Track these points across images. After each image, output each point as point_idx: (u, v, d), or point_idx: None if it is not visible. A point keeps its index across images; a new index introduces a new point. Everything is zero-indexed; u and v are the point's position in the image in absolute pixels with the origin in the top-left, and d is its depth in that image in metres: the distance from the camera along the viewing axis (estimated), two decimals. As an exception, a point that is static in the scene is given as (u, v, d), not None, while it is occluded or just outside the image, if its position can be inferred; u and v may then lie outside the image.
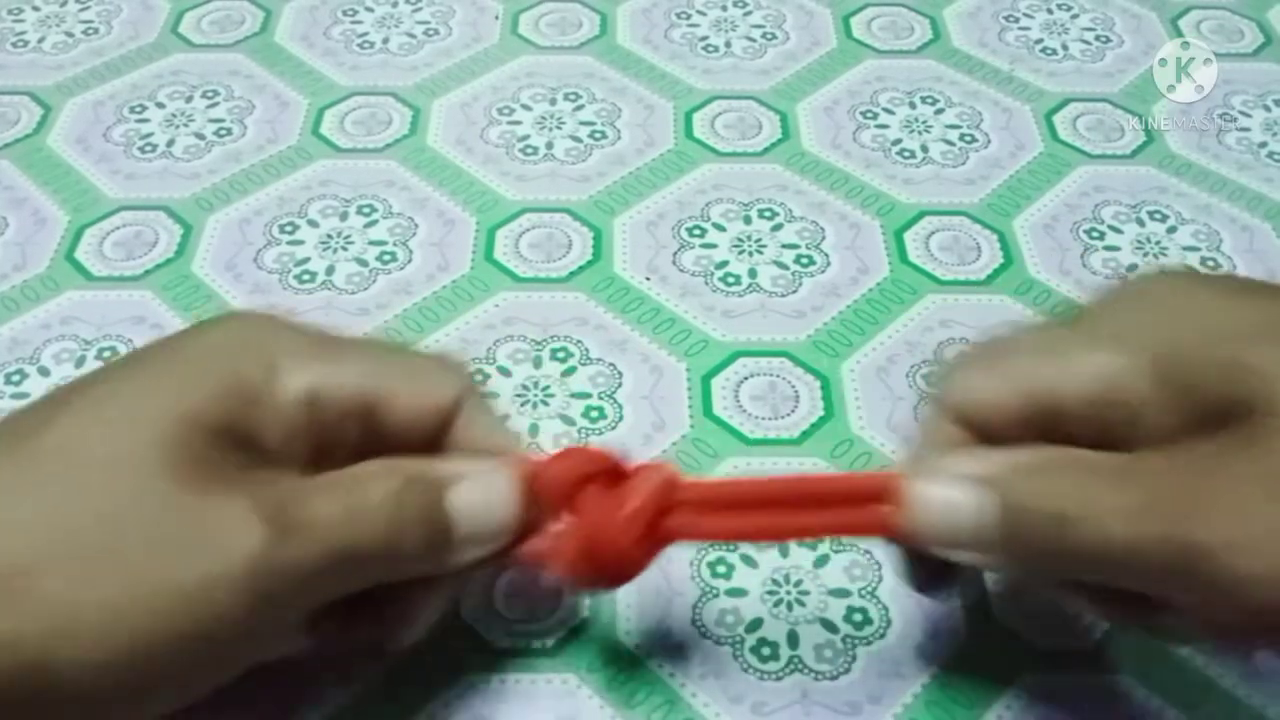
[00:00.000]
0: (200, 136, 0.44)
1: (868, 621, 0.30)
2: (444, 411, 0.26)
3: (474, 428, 0.27)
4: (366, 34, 0.50)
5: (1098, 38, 0.50)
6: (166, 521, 0.22)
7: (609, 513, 0.25)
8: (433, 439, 0.26)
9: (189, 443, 0.23)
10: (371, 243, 0.40)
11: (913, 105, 0.46)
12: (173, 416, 0.23)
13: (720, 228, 0.41)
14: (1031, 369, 0.25)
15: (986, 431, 0.25)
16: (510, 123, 0.45)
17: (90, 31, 0.50)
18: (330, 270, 0.39)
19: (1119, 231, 0.41)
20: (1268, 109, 0.47)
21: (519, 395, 0.35)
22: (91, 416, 0.23)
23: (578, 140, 0.44)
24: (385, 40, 0.49)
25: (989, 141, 0.45)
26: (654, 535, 0.26)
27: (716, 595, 0.31)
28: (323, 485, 0.24)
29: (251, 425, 0.24)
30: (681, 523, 0.26)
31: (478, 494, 0.25)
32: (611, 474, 0.26)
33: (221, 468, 0.23)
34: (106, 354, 0.36)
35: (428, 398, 0.26)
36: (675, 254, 0.40)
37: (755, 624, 0.30)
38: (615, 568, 0.26)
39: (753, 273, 0.39)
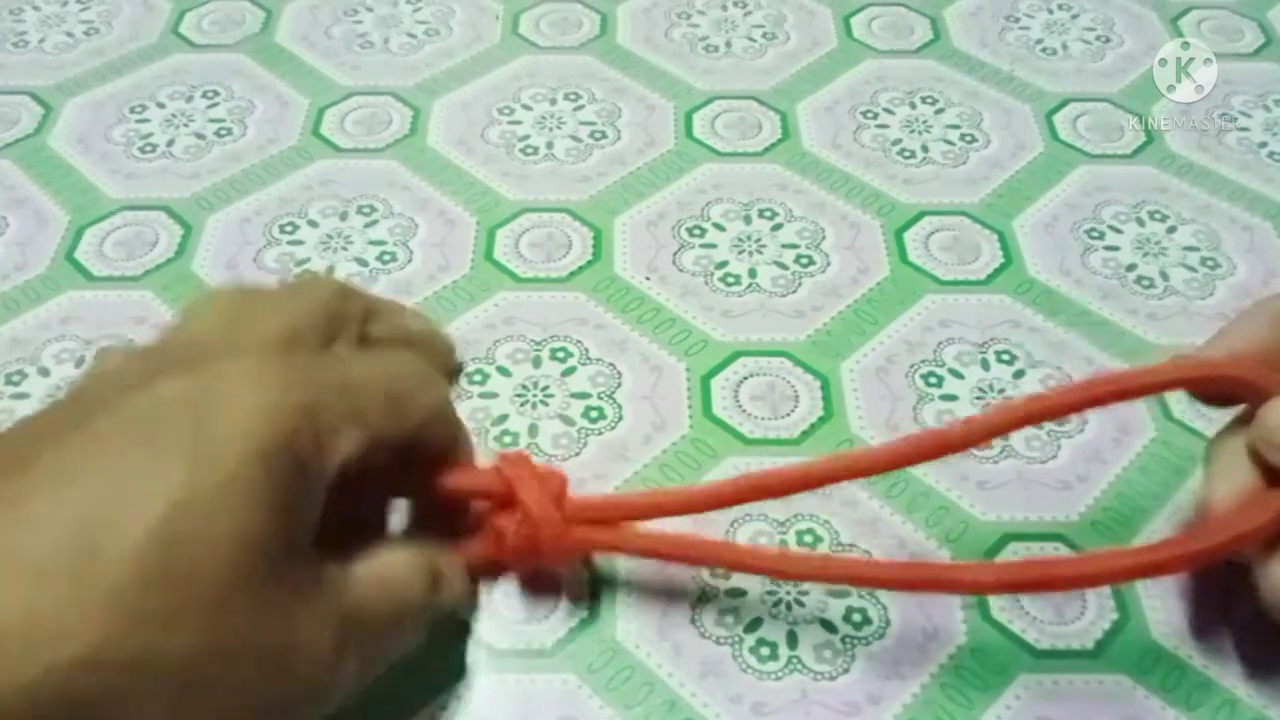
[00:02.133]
0: (201, 136, 0.44)
1: (867, 621, 0.30)
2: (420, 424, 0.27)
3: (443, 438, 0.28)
4: (367, 34, 0.50)
5: (1098, 38, 0.50)
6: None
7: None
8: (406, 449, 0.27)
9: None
10: (372, 243, 0.40)
11: (913, 105, 0.46)
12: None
13: (720, 228, 0.41)
14: None
15: None
16: (510, 123, 0.45)
17: (91, 31, 0.50)
18: (330, 270, 0.39)
19: (1119, 231, 0.41)
20: (1268, 109, 0.47)
21: (519, 395, 0.35)
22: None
23: (578, 140, 0.44)
24: (386, 40, 0.49)
25: (989, 141, 0.45)
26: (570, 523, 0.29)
27: (716, 595, 0.31)
28: (371, 585, 0.25)
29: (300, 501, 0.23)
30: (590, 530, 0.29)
31: (459, 580, 0.28)
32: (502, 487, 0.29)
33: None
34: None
35: (412, 440, 0.26)
36: (675, 254, 0.40)
37: (755, 624, 0.30)
38: (549, 553, 0.29)
39: (753, 273, 0.39)
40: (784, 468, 0.28)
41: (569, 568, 0.31)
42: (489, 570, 0.30)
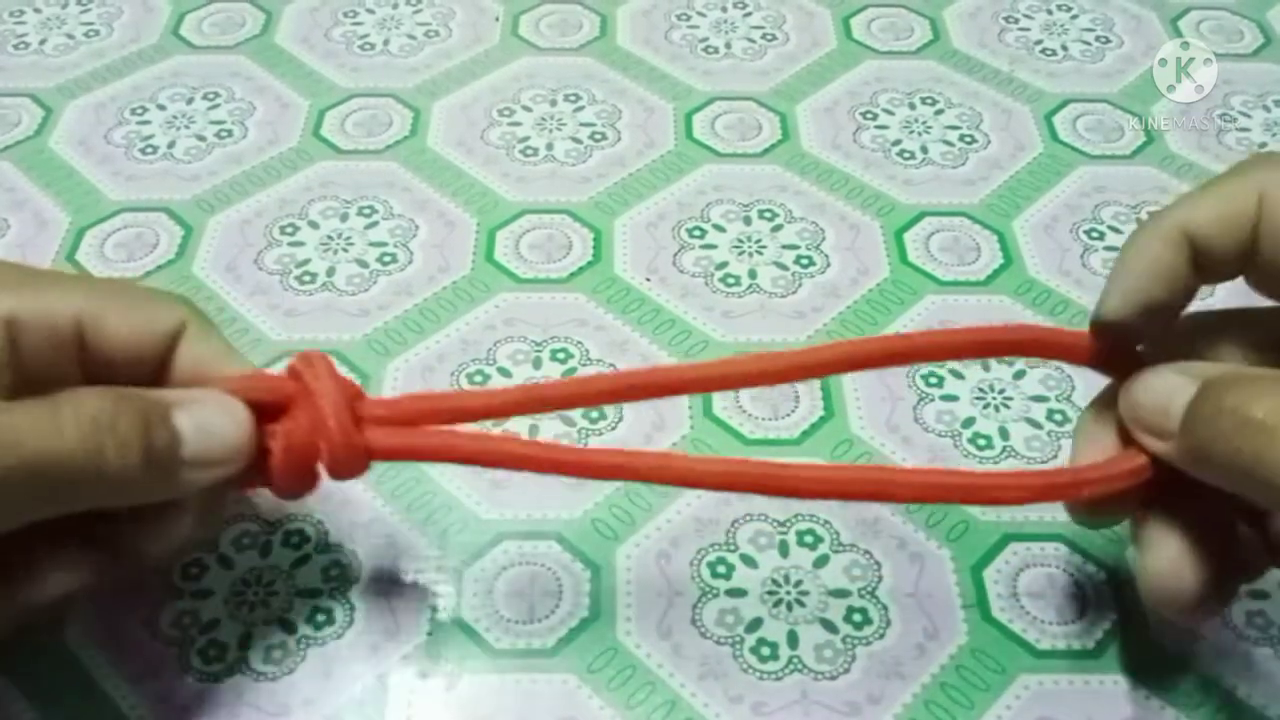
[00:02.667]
0: (201, 138, 0.44)
1: (868, 621, 0.30)
2: (163, 338, 0.26)
3: (199, 354, 0.26)
4: (367, 35, 0.50)
5: (1098, 38, 0.50)
6: None
7: (315, 415, 0.26)
8: (156, 372, 0.26)
9: None
10: (372, 244, 0.40)
11: (912, 106, 0.47)
12: None
13: (720, 229, 0.41)
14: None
15: (1206, 259, 0.24)
16: (510, 124, 0.45)
17: (91, 34, 0.50)
18: (331, 271, 0.39)
19: (1119, 232, 0.41)
20: (1268, 109, 0.47)
21: (519, 396, 0.35)
22: None
23: (578, 141, 0.44)
24: (386, 42, 0.49)
25: (989, 142, 0.45)
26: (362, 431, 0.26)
27: (716, 595, 0.31)
28: (24, 402, 0.23)
29: None
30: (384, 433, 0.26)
31: (211, 410, 0.25)
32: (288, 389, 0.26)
33: None
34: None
35: (144, 324, 0.26)
36: (675, 255, 0.40)
37: (755, 624, 0.30)
38: (341, 461, 0.26)
39: (753, 274, 0.39)
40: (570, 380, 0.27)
41: (358, 474, 0.27)
42: (249, 483, 0.27)
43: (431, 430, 0.27)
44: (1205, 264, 0.24)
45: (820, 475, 0.26)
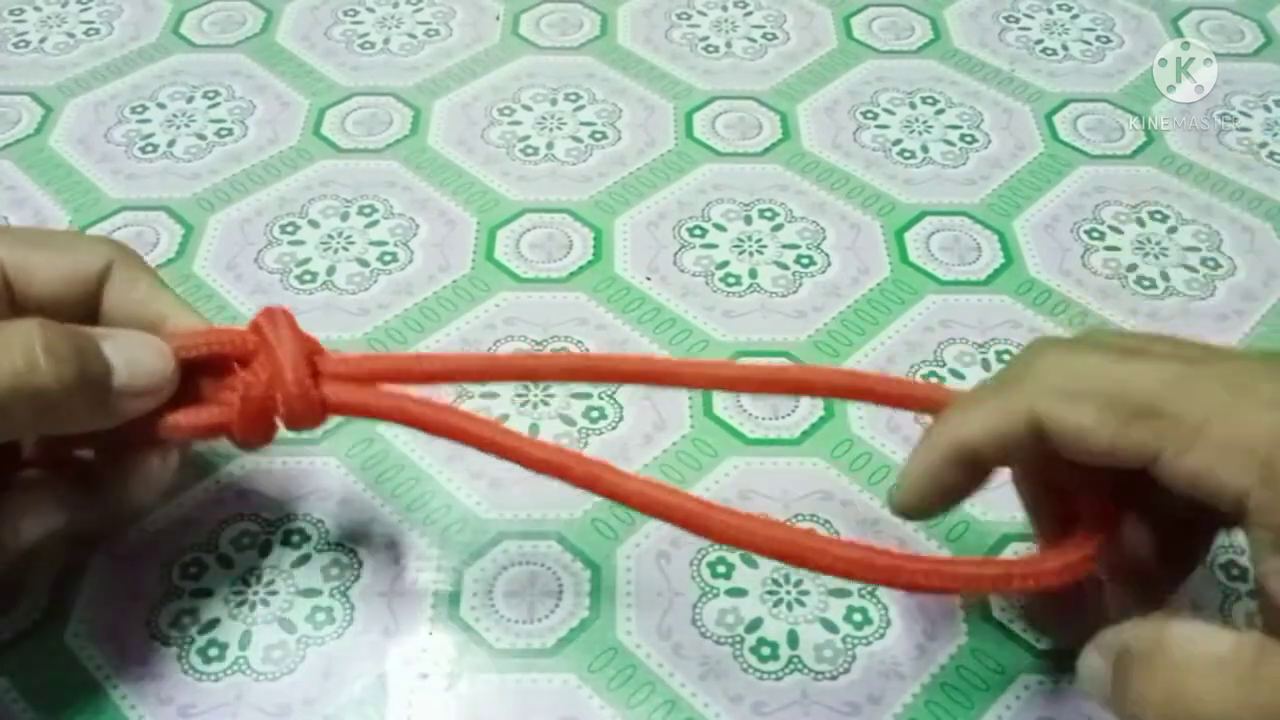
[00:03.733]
0: (201, 137, 0.44)
1: (868, 621, 0.30)
2: (90, 279, 0.27)
3: (129, 294, 0.27)
4: (367, 34, 0.50)
5: (1098, 38, 0.50)
6: None
7: (273, 369, 0.27)
8: (87, 314, 0.27)
9: None
10: (372, 243, 0.40)
11: (913, 105, 0.46)
12: None
13: (721, 228, 0.41)
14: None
15: (981, 465, 0.25)
16: (511, 123, 0.45)
17: (91, 32, 0.50)
18: (331, 270, 0.39)
19: (1119, 232, 0.41)
20: (1268, 109, 0.47)
21: (519, 395, 0.35)
22: None
23: (578, 140, 0.44)
24: (386, 41, 0.49)
25: (989, 141, 0.45)
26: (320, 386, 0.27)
27: (716, 595, 0.31)
28: None
29: None
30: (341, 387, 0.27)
31: (136, 344, 0.26)
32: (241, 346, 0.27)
33: None
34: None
35: (69, 267, 0.26)
36: (676, 254, 0.40)
37: (755, 624, 0.30)
38: (296, 412, 0.27)
39: (753, 273, 0.39)
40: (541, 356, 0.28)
41: (313, 425, 0.28)
42: (210, 433, 0.27)
43: (385, 391, 0.27)
44: (980, 467, 0.26)
45: (749, 528, 0.25)
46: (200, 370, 0.27)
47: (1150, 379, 0.23)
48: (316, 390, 0.27)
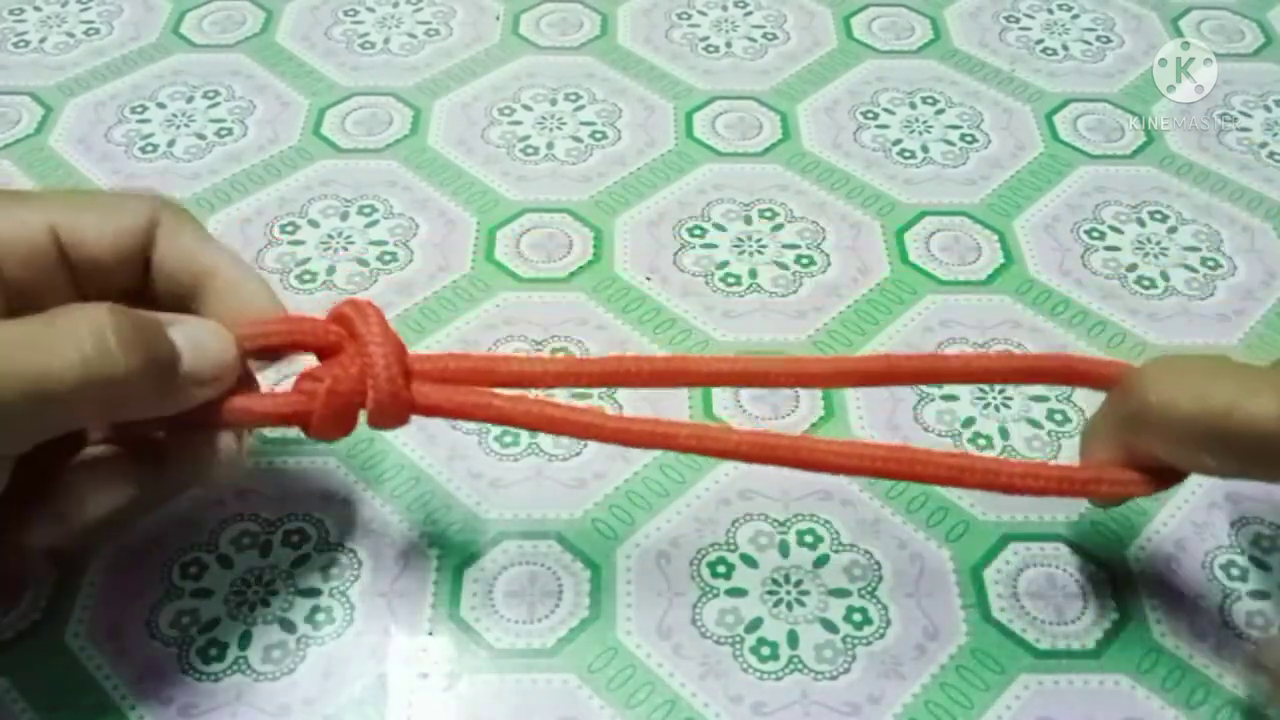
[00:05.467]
0: (201, 137, 0.44)
1: (868, 621, 0.30)
2: (138, 235, 0.26)
3: (179, 244, 0.27)
4: (367, 34, 0.50)
5: (1098, 38, 0.50)
6: None
7: (363, 363, 0.26)
8: (136, 270, 0.27)
9: None
10: (372, 243, 0.40)
11: (913, 105, 0.46)
12: None
13: (721, 228, 0.41)
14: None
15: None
16: (511, 123, 0.45)
17: (91, 32, 0.50)
18: (331, 270, 0.39)
19: (1119, 232, 0.41)
20: (1268, 109, 0.47)
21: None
22: None
23: (578, 140, 0.44)
24: (386, 40, 0.49)
25: (989, 141, 0.45)
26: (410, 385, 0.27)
27: (716, 595, 0.31)
28: (16, 320, 0.23)
29: None
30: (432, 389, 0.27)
31: (201, 330, 0.26)
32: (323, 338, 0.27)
33: None
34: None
35: (118, 224, 0.26)
36: (676, 254, 0.40)
37: (755, 624, 0.30)
38: (385, 410, 0.26)
39: (753, 273, 0.39)
40: (650, 358, 0.28)
41: (398, 425, 0.27)
42: (284, 421, 0.27)
43: (471, 389, 0.27)
44: None
45: (847, 451, 0.27)
46: (268, 356, 0.27)
47: None
48: (407, 390, 0.27)
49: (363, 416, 0.27)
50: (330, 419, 0.27)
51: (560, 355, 0.30)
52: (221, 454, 0.27)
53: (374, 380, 0.26)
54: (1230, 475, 0.27)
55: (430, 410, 0.27)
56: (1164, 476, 0.27)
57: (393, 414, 0.27)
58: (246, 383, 0.27)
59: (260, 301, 0.27)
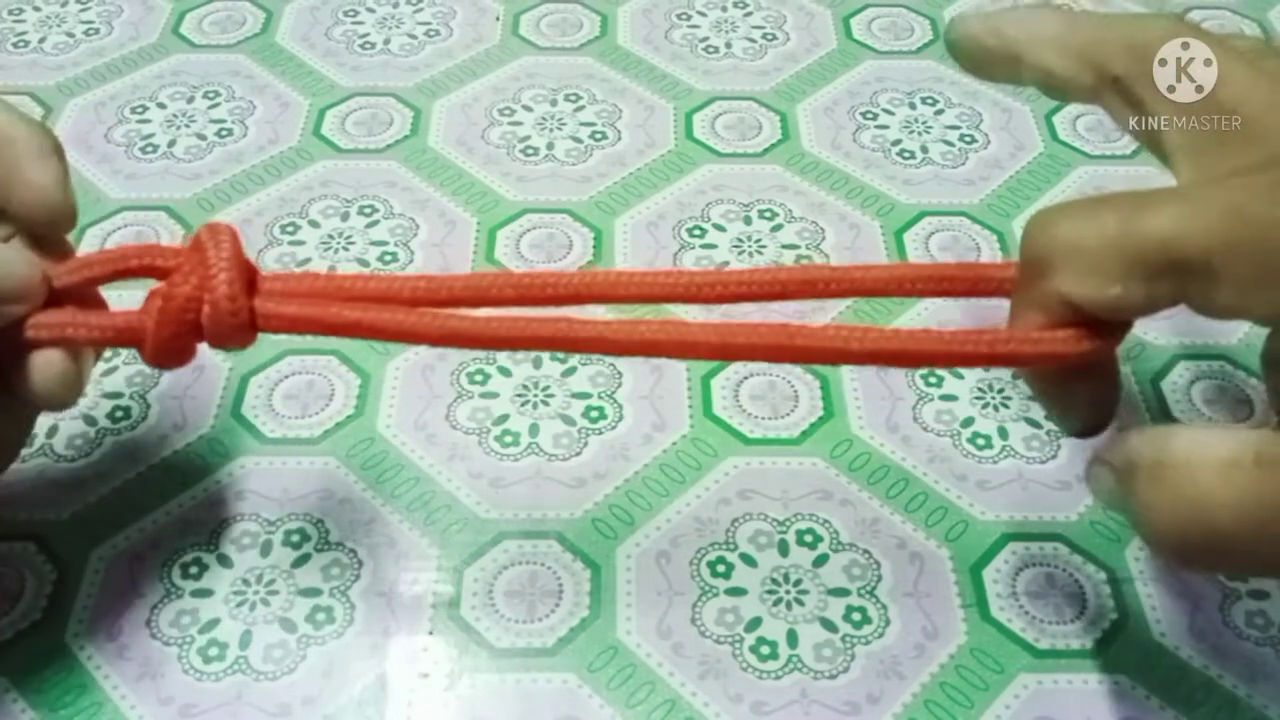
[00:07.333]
0: (201, 137, 0.44)
1: (867, 621, 0.30)
2: None
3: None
4: (367, 35, 0.50)
5: (1098, 38, 0.50)
6: None
7: (202, 276, 0.25)
8: None
9: None
10: (373, 243, 0.40)
11: (912, 106, 0.47)
12: None
13: (720, 228, 0.41)
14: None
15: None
16: (511, 123, 0.45)
17: (91, 32, 0.50)
18: (331, 271, 0.39)
19: (1119, 232, 0.41)
20: (1268, 109, 0.47)
21: (519, 395, 0.35)
22: None
23: (578, 141, 0.44)
24: (386, 41, 0.49)
25: (989, 142, 0.45)
26: (251, 302, 0.25)
27: (716, 594, 0.31)
28: None
29: None
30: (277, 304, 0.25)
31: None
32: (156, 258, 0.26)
33: None
34: (108, 353, 0.36)
35: None
36: (675, 254, 0.40)
37: (755, 623, 0.30)
38: (223, 326, 0.25)
39: (753, 273, 0.39)
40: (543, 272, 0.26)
41: (242, 343, 0.26)
42: (117, 339, 0.26)
43: (319, 303, 0.25)
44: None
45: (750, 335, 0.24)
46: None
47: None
48: (247, 300, 0.25)
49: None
50: (165, 337, 0.25)
51: (422, 274, 0.27)
52: (53, 365, 0.26)
53: (210, 295, 0.24)
54: (1143, 305, 0.23)
55: (274, 325, 0.25)
56: (1095, 330, 0.24)
57: (231, 330, 0.25)
58: (91, 303, 0.26)
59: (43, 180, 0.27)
